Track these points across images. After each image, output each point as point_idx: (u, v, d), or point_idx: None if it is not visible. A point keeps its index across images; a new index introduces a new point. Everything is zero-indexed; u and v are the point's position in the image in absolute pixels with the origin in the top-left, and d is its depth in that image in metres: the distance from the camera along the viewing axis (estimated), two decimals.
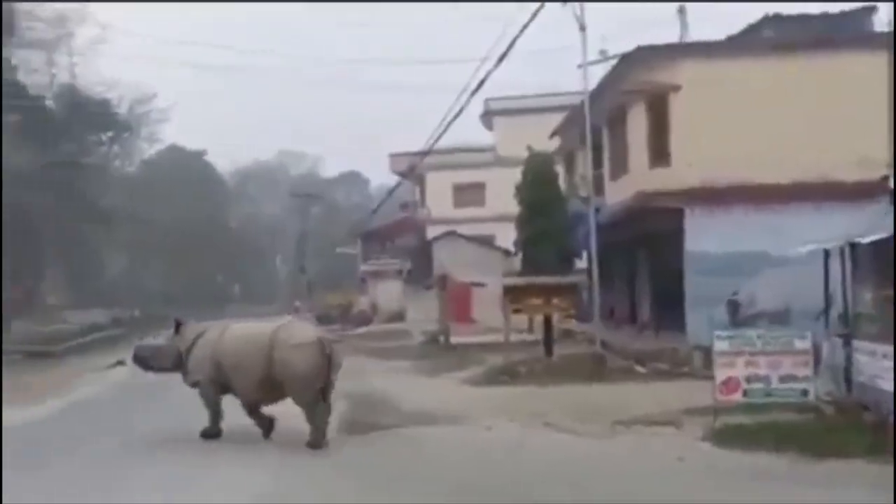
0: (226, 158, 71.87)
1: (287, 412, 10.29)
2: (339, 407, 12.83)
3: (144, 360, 11.59)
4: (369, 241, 45.05)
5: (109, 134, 43.22)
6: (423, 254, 33.92)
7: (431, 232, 37.05)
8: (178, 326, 11.28)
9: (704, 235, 16.88)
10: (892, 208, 9.95)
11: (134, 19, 74.09)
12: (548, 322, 17.67)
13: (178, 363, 10.95)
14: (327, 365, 9.91)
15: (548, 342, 17.54)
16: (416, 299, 32.52)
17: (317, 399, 9.87)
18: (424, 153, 25.81)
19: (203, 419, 10.64)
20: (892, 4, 17.72)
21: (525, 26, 15.10)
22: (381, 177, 59.34)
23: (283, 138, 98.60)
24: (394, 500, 7.62)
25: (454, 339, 22.73)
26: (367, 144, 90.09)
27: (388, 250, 42.27)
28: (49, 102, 37.44)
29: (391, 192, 35.08)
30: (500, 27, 23.94)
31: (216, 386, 10.51)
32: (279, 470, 8.86)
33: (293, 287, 56.26)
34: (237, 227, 70.22)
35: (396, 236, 42.36)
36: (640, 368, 15.98)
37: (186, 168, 61.18)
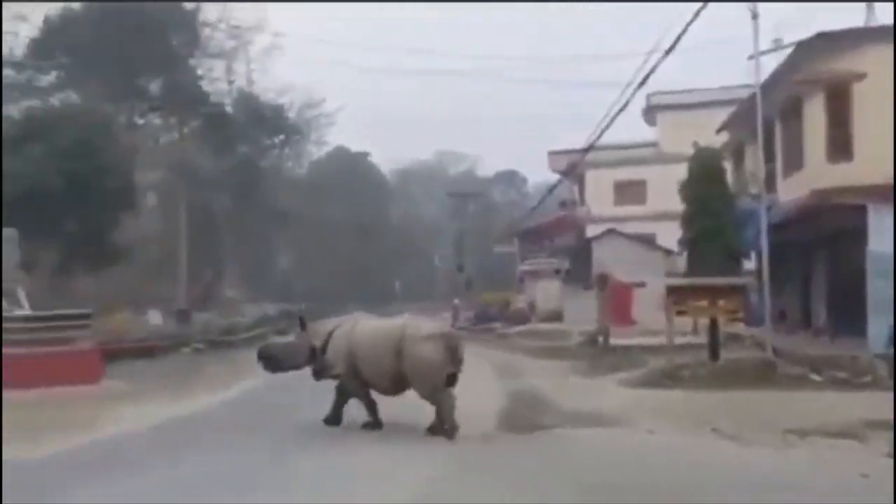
0: (387, 159, 73.96)
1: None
2: (498, 405, 12.99)
3: (273, 359, 11.59)
4: (527, 239, 45.00)
5: (281, 137, 45.57)
6: (581, 253, 33.53)
7: (591, 230, 36.55)
8: (303, 324, 11.56)
9: (889, 235, 15.63)
10: None
11: (303, 24, 77.39)
12: (713, 325, 16.95)
13: (310, 359, 11.19)
14: (451, 357, 10.26)
15: (713, 345, 16.82)
16: (574, 299, 32.16)
17: (441, 389, 10.19)
18: (585, 150, 25.43)
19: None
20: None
21: (695, 16, 14.57)
22: (539, 175, 59.23)
23: (443, 138, 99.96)
24: (554, 500, 7.55)
25: (613, 341, 22.31)
26: (526, 143, 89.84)
27: (546, 249, 42.05)
28: (228, 109, 40.00)
29: (551, 189, 34.85)
30: (665, 20, 23.24)
31: (356, 378, 10.85)
32: (441, 464, 8.98)
33: (451, 285, 57.12)
34: (398, 225, 72.19)
35: (555, 235, 42.05)
36: (815, 376, 14.98)
37: (351, 169, 63.57)
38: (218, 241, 39.49)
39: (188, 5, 36.55)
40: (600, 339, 23.29)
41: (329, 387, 11.56)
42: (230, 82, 40.72)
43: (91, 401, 14.76)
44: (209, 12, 37.44)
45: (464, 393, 10.68)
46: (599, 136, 20.62)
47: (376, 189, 68.28)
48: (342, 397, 11.13)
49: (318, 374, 11.26)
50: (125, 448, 10.83)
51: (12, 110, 33.81)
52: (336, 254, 59.49)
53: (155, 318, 29.05)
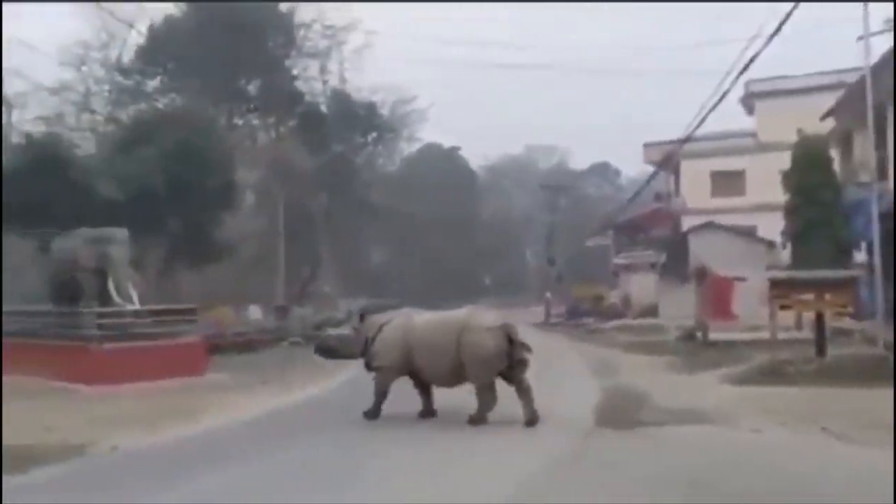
0: (478, 154, 74.07)
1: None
2: (595, 401, 12.84)
3: (330, 350, 12.46)
4: (621, 232, 44.29)
5: (374, 135, 46.19)
6: (677, 246, 32.77)
7: (687, 223, 35.68)
8: (362, 317, 12.07)
9: None
10: None
11: (395, 22, 78.34)
12: (820, 319, 16.28)
13: (364, 350, 11.66)
14: (510, 348, 10.63)
15: (820, 341, 16.14)
16: (670, 293, 31.49)
17: (493, 381, 10.68)
18: (682, 141, 24.84)
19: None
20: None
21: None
22: (632, 167, 58.18)
23: (533, 132, 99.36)
24: (655, 499, 7.40)
25: (713, 336, 21.71)
26: (619, 135, 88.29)
27: (640, 242, 41.27)
28: (323, 108, 40.86)
29: (648, 181, 34.16)
30: (768, 5, 22.37)
31: (397, 371, 11.37)
32: (540, 460, 8.94)
33: (542, 279, 56.77)
34: (489, 220, 72.21)
35: (649, 228, 41.22)
36: None
37: (442, 165, 63.92)
38: (313, 238, 40.40)
39: (284, 7, 37.51)
40: (699, 334, 22.71)
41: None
42: (324, 82, 41.62)
43: (198, 392, 15.35)
44: (304, 13, 38.34)
45: (559, 388, 10.69)
46: (698, 126, 20.12)
47: (467, 184, 68.43)
48: (382, 390, 11.46)
49: (368, 365, 11.78)
50: (235, 436, 11.32)
51: (122, 115, 35.55)
52: (427, 249, 60.02)
53: (255, 313, 30.02)
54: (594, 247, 49.77)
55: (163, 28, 34.97)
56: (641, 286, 38.01)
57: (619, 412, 11.76)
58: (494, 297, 62.98)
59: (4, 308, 23.26)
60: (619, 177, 75.69)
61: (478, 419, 10.62)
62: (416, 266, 60.79)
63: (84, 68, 36.81)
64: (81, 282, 19.72)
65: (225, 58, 33.04)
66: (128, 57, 36.44)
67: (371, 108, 43.40)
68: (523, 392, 10.69)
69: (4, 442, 10.49)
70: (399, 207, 50.77)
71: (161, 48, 34.78)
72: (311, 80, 40.84)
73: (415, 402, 11.66)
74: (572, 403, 12.45)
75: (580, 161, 79.96)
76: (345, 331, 12.68)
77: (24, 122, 36.81)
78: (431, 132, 60.10)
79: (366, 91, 42.99)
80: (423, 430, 10.91)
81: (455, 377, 11.03)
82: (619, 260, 43.44)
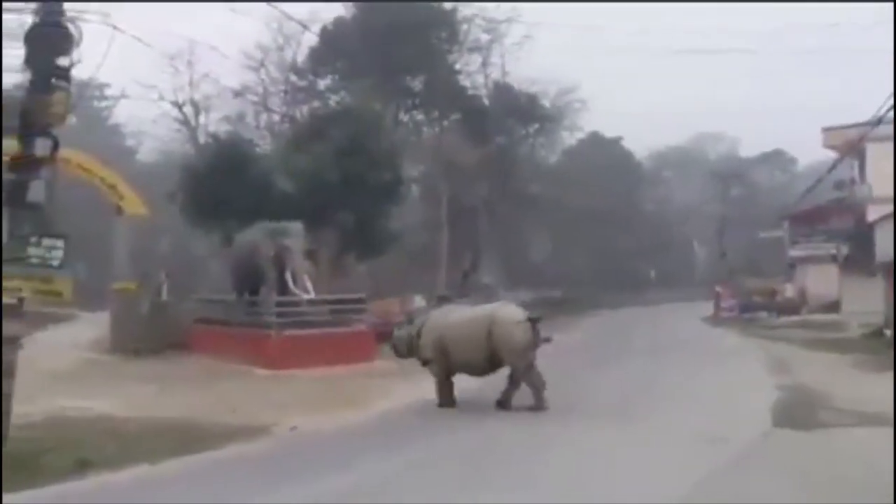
0: (642, 144, 71.98)
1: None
2: (772, 399, 12.27)
3: (395, 349, 13.59)
4: (798, 223, 41.73)
5: (535, 126, 46.03)
6: (862, 237, 30.48)
7: (872, 213, 33.08)
8: (409, 318, 13.51)
9: None
10: None
11: (555, 12, 77.49)
12: None
13: (412, 348, 12.84)
14: (536, 339, 11.75)
15: None
16: (853, 288, 29.41)
17: (530, 367, 11.71)
18: (871, 123, 23.03)
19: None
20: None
21: None
22: (809, 154, 54.61)
23: (700, 120, 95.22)
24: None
25: None
26: (794, 120, 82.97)
27: (819, 233, 38.74)
28: (485, 101, 41.19)
29: (831, 168, 31.90)
30: None
31: (444, 362, 12.33)
32: (717, 461, 8.64)
33: (712, 272, 54.59)
34: (653, 211, 70.26)
35: (829, 218, 38.59)
36: None
37: (604, 155, 62.73)
38: (475, 230, 40.86)
39: (447, 4, 38.10)
40: (887, 332, 21.10)
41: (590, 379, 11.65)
42: (486, 75, 41.93)
43: (368, 378, 16.01)
44: (466, 9, 38.79)
45: (735, 387, 10.29)
46: (891, 108, 18.53)
47: (630, 174, 66.87)
48: (442, 379, 12.51)
49: (421, 361, 12.82)
50: (404, 421, 11.82)
51: (297, 112, 37.47)
52: (590, 240, 59.18)
53: (420, 303, 30.70)
54: (768, 238, 47.20)
55: (333, 29, 36.47)
56: (820, 280, 35.72)
57: (799, 412, 11.18)
58: (659, 290, 61.40)
59: (196, 296, 25.25)
60: (794, 164, 71.28)
61: (539, 405, 11.55)
62: (578, 258, 60.12)
63: (262, 70, 39.17)
64: (261, 272, 21.07)
65: (391, 56, 34.00)
66: (301, 58, 38.40)
67: (532, 99, 43.24)
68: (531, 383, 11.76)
69: (199, 419, 11.45)
70: (560, 199, 50.35)
71: (332, 48, 36.28)
72: (473, 74, 41.32)
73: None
74: (749, 402, 11.97)
75: (751, 149, 75.97)
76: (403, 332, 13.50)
77: (210, 123, 39.90)
78: (593, 121, 59.04)
79: (527, 82, 42.97)
80: (593, 427, 10.83)
81: (487, 365, 12.14)
82: (795, 252, 40.99)
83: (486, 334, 11.78)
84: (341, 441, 10.56)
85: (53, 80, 8.48)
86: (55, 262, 8.58)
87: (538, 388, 11.64)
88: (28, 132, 8.40)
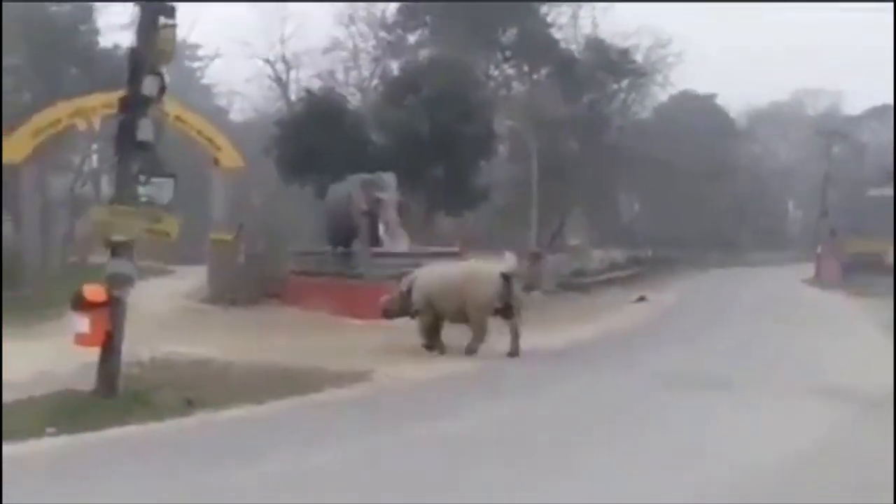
0: (739, 100, 69.04)
1: None
2: (886, 365, 11.52)
3: (386, 313, 14.78)
4: None
5: (627, 81, 44.60)
6: None
7: None
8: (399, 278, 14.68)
9: None
10: None
11: None
12: None
13: (403, 306, 14.07)
14: (506, 292, 12.87)
15: None
16: None
17: (486, 318, 13.07)
18: None
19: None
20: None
21: None
22: None
23: (801, 75, 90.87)
24: None
25: None
26: None
27: None
28: (576, 55, 40.01)
29: None
30: None
31: (429, 313, 13.59)
32: (822, 428, 8.15)
33: (810, 233, 52.32)
34: (747, 169, 67.72)
35: None
36: None
37: (697, 112, 60.56)
38: (564, 187, 40.09)
39: None
40: None
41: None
42: (576, 28, 40.71)
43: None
44: None
45: (842, 353, 9.69)
46: None
47: (724, 132, 64.44)
48: (425, 328, 13.76)
49: (412, 314, 14.04)
50: (502, 371, 11.63)
51: (386, 68, 37.29)
52: (682, 200, 57.47)
53: (510, 259, 30.32)
54: (875, 198, 44.80)
55: None
56: None
57: None
58: (754, 251, 59.43)
59: (292, 248, 25.61)
60: None
61: (471, 350, 12.98)
62: (669, 217, 58.64)
63: (352, 27, 39.10)
64: (355, 224, 21.09)
65: (480, 8, 33.33)
66: (391, 13, 38.07)
67: (625, 53, 41.79)
68: (511, 329, 13.01)
69: (297, 364, 11.53)
70: (652, 156, 48.90)
71: (421, 2, 35.81)
72: (563, 27, 40.17)
73: None
74: (858, 371, 11.32)
75: (856, 105, 72.11)
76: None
77: (301, 80, 40.13)
78: (687, 76, 57.01)
79: (619, 36, 41.57)
80: (704, 391, 10.42)
81: (460, 316, 13.23)
82: None
83: (460, 288, 13.07)
84: (441, 389, 10.50)
85: (161, 19, 8.42)
86: (164, 201, 8.61)
87: (480, 335, 13.08)
88: (136, 71, 8.39)
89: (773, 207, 71.02)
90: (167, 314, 18.99)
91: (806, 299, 24.55)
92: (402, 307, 14.26)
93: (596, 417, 8.66)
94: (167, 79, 8.58)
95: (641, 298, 24.67)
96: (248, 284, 22.41)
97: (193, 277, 26.20)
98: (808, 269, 38.85)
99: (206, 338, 14.74)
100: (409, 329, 15.56)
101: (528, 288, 26.88)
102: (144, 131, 8.38)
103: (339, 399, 9.67)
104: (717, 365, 12.11)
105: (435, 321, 13.74)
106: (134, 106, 8.40)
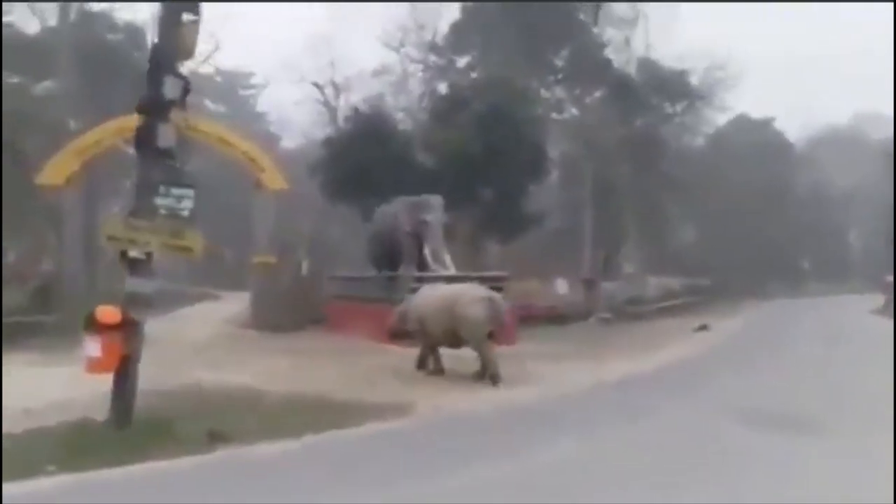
0: (797, 124, 67.13)
1: None
2: None
3: (392, 332, 15.10)
4: None
5: (683, 104, 43.36)
6: None
7: None
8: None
9: None
10: None
11: None
12: None
13: (403, 324, 14.14)
14: (496, 316, 12.77)
15: None
16: None
17: (485, 341, 12.68)
18: None
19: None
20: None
21: None
22: None
23: (864, 99, 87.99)
24: None
25: None
26: None
27: None
28: (630, 77, 38.92)
29: None
30: None
31: (424, 334, 13.52)
32: None
33: (873, 262, 50.06)
34: (806, 197, 65.48)
35: None
36: None
37: (754, 137, 58.87)
38: (618, 213, 38.89)
39: None
40: None
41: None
42: (630, 50, 39.67)
43: (509, 361, 14.77)
44: None
45: None
46: None
47: (783, 157, 62.48)
48: (423, 348, 13.73)
49: (410, 333, 14.14)
50: (555, 408, 10.62)
51: (439, 88, 36.70)
52: (739, 228, 55.65)
53: (562, 286, 29.23)
54: None
55: (473, 6, 35.35)
56: None
57: None
58: (814, 282, 57.14)
59: (334, 273, 24.92)
60: None
61: (494, 378, 12.33)
62: (725, 245, 56.85)
63: (403, 50, 38.76)
64: (400, 247, 20.29)
65: (533, 29, 32.58)
66: (440, 37, 37.57)
67: (681, 76, 40.64)
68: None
69: (336, 394, 10.67)
70: (707, 182, 47.42)
71: (472, 24, 35.20)
72: (617, 48, 39.16)
73: None
74: None
75: None
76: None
77: (350, 104, 39.83)
78: (744, 99, 55.39)
79: (674, 58, 40.42)
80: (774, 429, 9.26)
81: (451, 339, 13.06)
82: None
83: (450, 311, 12.88)
84: (486, 424, 9.55)
85: (184, 15, 7.71)
86: (185, 213, 7.84)
87: (489, 361, 12.54)
88: (156, 71, 7.68)
89: (834, 235, 68.55)
90: (204, 340, 18.36)
91: (879, 331, 22.92)
92: (402, 328, 14.35)
93: (684, 465, 7.55)
94: (189, 82, 7.83)
95: (703, 327, 23.34)
96: (291, 309, 21.76)
97: (239, 303, 25.71)
98: (874, 300, 36.78)
99: (242, 365, 14.05)
100: (453, 356, 14.68)
101: (586, 315, 26.03)
102: (165, 137, 7.65)
103: (376, 433, 8.77)
104: (806, 401, 10.90)
105: (429, 342, 13.67)
106: (154, 109, 7.68)
